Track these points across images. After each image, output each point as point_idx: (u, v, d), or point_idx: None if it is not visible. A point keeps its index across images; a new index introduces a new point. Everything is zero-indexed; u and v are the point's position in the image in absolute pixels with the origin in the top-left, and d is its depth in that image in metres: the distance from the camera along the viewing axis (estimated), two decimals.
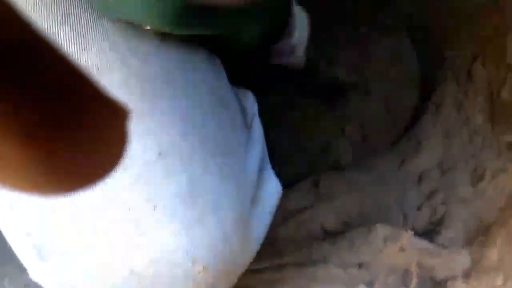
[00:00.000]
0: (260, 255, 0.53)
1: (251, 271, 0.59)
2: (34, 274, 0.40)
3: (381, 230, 0.63)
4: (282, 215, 0.77)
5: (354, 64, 0.76)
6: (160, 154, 0.37)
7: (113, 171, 0.11)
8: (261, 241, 0.47)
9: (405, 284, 0.52)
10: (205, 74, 0.44)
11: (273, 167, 0.53)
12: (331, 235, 0.73)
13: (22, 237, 0.38)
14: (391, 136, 0.83)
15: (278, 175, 0.54)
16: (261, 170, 0.48)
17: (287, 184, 0.63)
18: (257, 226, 0.45)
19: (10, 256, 0.46)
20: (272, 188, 0.49)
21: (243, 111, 0.50)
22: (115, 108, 0.11)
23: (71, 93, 0.10)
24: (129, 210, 0.36)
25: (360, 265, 0.60)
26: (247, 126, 0.49)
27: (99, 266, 0.37)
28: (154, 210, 0.36)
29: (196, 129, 0.40)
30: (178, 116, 0.39)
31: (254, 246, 0.45)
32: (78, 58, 0.37)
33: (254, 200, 0.45)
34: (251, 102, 0.51)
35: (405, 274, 0.56)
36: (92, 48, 0.37)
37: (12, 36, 0.09)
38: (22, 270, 0.54)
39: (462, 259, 0.58)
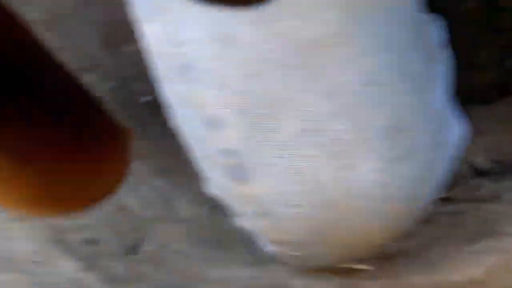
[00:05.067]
0: None
1: None
2: (223, 191, 0.40)
3: None
4: None
5: None
6: (365, 83, 0.34)
7: (114, 192, 0.11)
8: (441, 187, 0.43)
9: None
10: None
11: None
12: (482, 173, 0.68)
13: (217, 155, 0.38)
14: None
15: None
16: (445, 108, 0.44)
17: None
18: (441, 170, 0.42)
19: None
20: (458, 130, 0.45)
21: (428, 40, 0.43)
22: (118, 129, 0.10)
23: (72, 113, 0.09)
24: (333, 140, 0.34)
25: None
26: (432, 59, 0.44)
27: (297, 193, 0.36)
28: (359, 142, 0.34)
29: (398, 59, 0.37)
30: (381, 43, 0.36)
31: (436, 190, 0.42)
32: None
33: (439, 142, 0.42)
34: (440, 30, 0.45)
35: None
36: None
37: (12, 47, 0.09)
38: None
39: None
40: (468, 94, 0.78)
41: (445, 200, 0.58)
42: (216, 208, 0.65)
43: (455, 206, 0.56)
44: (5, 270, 0.47)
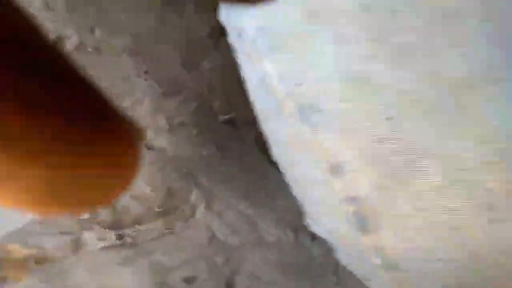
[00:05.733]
0: None
1: None
2: (341, 238, 0.38)
3: None
4: None
5: None
6: None
7: (123, 192, 0.10)
8: None
9: None
10: None
11: None
12: None
13: (340, 202, 0.35)
14: None
15: None
16: None
17: None
18: None
19: None
20: None
21: None
22: (129, 127, 0.10)
23: (82, 110, 0.09)
24: (483, 192, 0.31)
25: None
26: None
27: (438, 248, 0.33)
28: (510, 195, 0.30)
29: None
30: None
31: None
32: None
33: None
34: None
35: None
36: None
37: (22, 45, 0.08)
38: None
39: None
40: None
41: None
42: (300, 231, 0.63)
43: None
44: None
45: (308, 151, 0.36)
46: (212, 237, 0.57)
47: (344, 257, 0.40)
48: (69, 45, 0.54)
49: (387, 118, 0.32)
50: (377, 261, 0.35)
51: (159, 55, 0.62)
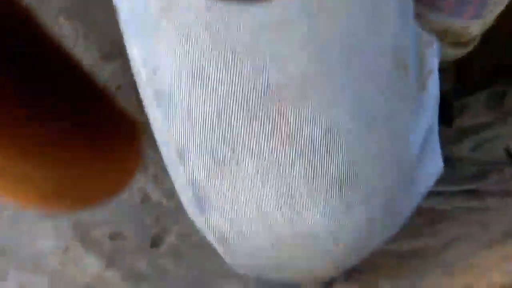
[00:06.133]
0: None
1: (435, 193, 0.52)
2: (196, 223, 0.42)
3: None
4: (455, 132, 0.65)
5: None
6: (327, 131, 0.34)
7: (126, 186, 0.11)
8: (405, 221, 0.42)
9: None
10: (391, 26, 0.36)
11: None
12: None
13: (184, 184, 0.39)
14: None
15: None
16: (425, 142, 0.41)
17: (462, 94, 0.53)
18: (405, 208, 0.41)
19: None
20: (433, 166, 0.42)
21: (420, 66, 0.41)
22: (130, 123, 0.10)
23: (85, 109, 0.09)
24: (285, 185, 0.35)
25: None
26: (420, 88, 0.40)
27: (249, 228, 0.37)
28: (309, 189, 0.35)
29: (368, 107, 0.35)
30: (351, 91, 0.34)
31: (396, 226, 0.42)
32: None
33: (406, 182, 0.40)
34: (432, 54, 0.41)
35: None
36: None
37: (28, 46, 0.09)
38: None
39: None
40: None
41: (470, 193, 0.53)
42: None
43: (481, 202, 0.51)
44: (30, 268, 0.51)
45: (164, 136, 0.38)
46: (146, 200, 0.60)
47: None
48: None
49: (219, 113, 0.35)
50: (212, 235, 0.40)
51: (98, 18, 0.63)
